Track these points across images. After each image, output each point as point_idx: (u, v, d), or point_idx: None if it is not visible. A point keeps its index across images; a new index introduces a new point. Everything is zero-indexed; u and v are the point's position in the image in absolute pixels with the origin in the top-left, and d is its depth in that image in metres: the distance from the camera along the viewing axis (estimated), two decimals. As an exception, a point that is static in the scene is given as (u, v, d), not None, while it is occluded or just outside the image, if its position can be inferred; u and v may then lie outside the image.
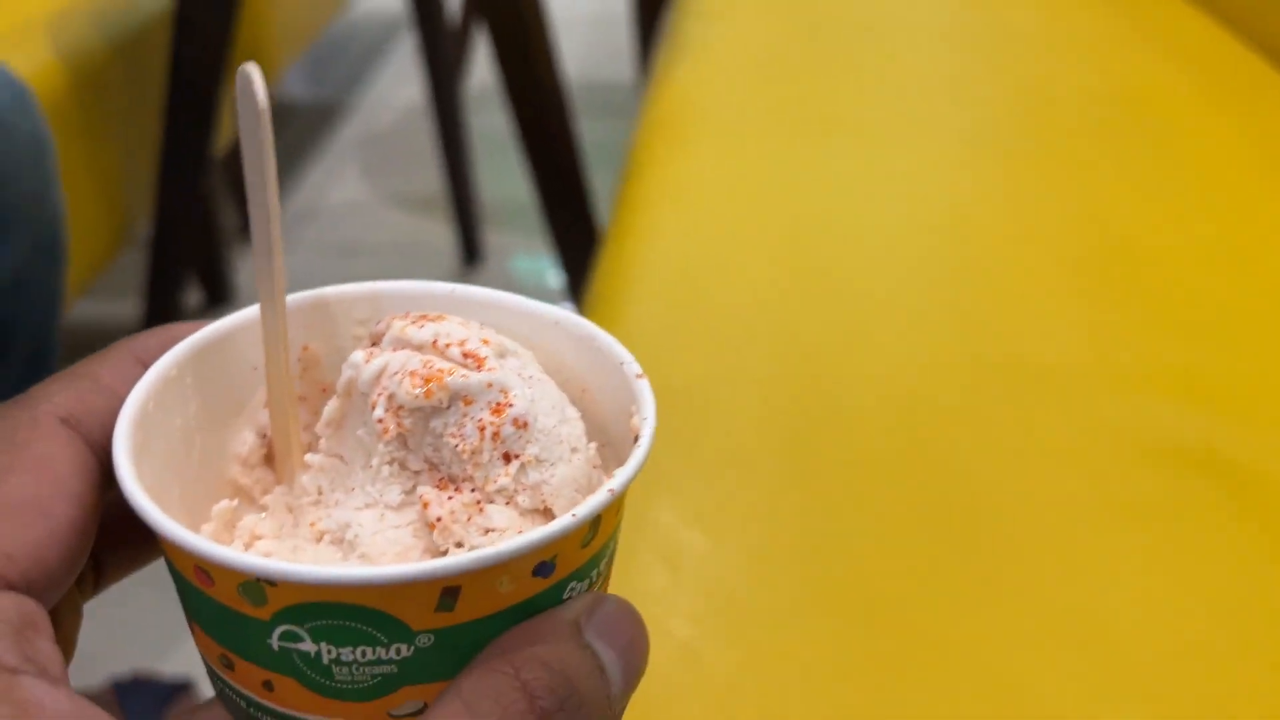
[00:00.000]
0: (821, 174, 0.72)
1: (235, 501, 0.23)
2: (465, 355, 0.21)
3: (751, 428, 0.48)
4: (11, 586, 0.18)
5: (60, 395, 0.20)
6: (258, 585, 0.19)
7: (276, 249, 0.22)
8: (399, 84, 2.19)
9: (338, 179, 1.78)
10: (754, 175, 0.73)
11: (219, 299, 1.40)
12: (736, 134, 0.80)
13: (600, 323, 0.24)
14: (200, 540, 0.19)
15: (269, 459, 0.24)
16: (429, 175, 1.76)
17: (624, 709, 0.20)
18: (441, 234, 1.58)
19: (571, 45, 1.69)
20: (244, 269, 1.43)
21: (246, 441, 0.24)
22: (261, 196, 0.21)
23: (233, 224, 1.47)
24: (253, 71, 0.21)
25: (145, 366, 0.22)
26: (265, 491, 0.24)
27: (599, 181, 1.60)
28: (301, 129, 1.95)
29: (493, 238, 1.58)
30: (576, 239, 1.07)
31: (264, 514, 0.23)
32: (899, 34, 0.99)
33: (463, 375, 0.21)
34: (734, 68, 0.93)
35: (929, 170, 0.73)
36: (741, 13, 1.07)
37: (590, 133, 1.89)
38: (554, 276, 1.50)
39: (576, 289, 1.13)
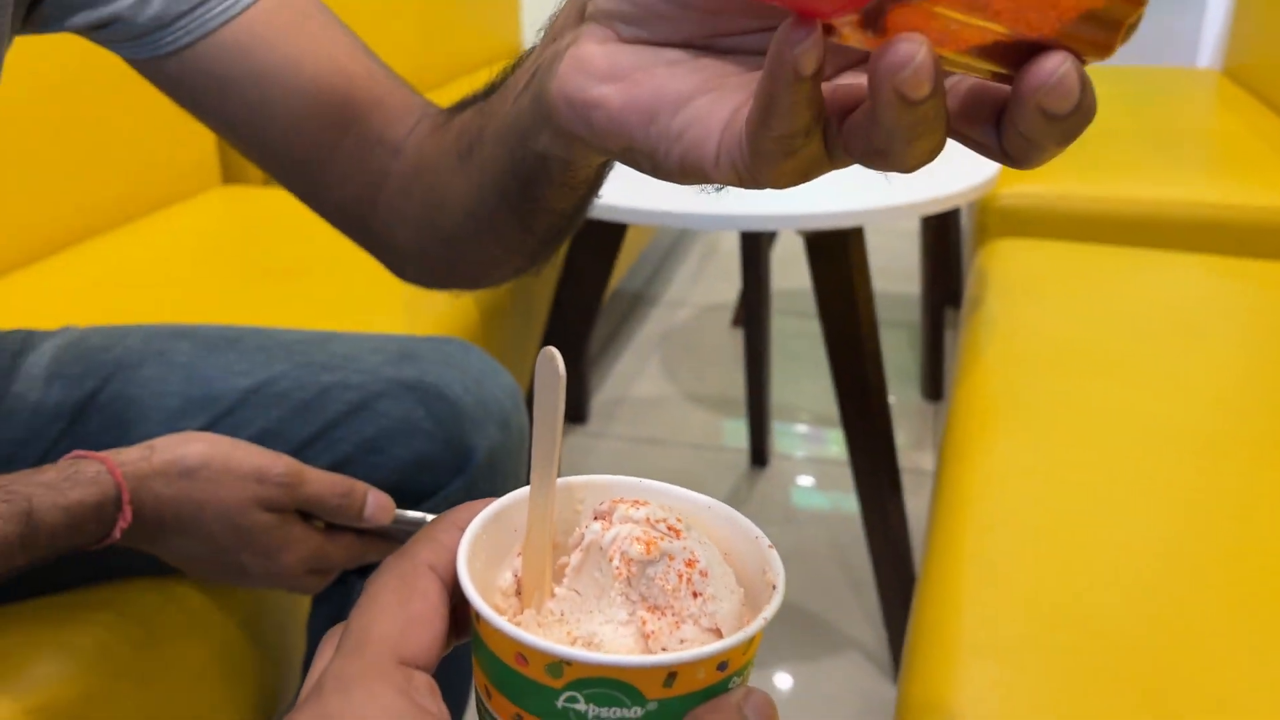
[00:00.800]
0: (1126, 479, 0.81)
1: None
2: (668, 529, 0.33)
3: (1077, 674, 0.57)
4: (422, 669, 0.31)
5: (424, 552, 0.33)
6: (559, 665, 0.29)
7: (554, 469, 0.34)
8: (699, 281, 2.42)
9: (642, 372, 1.99)
10: (1049, 465, 0.83)
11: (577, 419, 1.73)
12: (1036, 422, 0.91)
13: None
14: (530, 635, 0.29)
15: (518, 592, 0.34)
16: (725, 374, 1.95)
17: None
18: (734, 433, 1.75)
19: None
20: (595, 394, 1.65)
21: (505, 579, 0.35)
22: (549, 435, 0.33)
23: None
24: (555, 353, 0.33)
25: (460, 529, 0.33)
26: (516, 614, 0.34)
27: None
28: (612, 318, 2.20)
29: (778, 442, 1.74)
30: (873, 450, 1.17)
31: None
32: (1192, 325, 1.07)
33: (668, 541, 0.32)
34: (1042, 349, 1.04)
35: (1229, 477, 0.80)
36: (1046, 291, 1.18)
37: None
38: (837, 494, 1.62)
39: (869, 514, 1.24)
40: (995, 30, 0.26)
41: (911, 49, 0.25)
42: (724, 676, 0.30)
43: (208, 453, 0.58)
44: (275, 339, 0.73)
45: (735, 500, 1.58)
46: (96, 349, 0.70)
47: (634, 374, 1.97)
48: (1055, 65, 0.26)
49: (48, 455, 0.66)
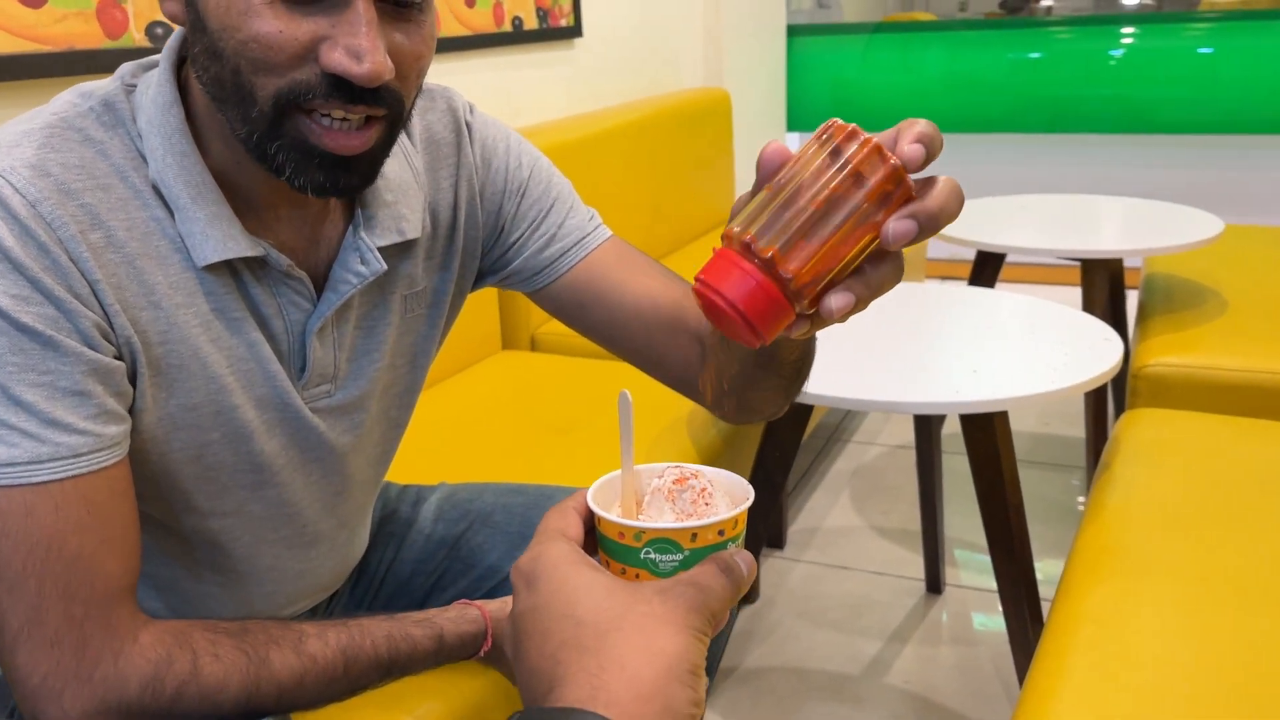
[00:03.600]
0: (1242, 639, 1.01)
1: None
2: (692, 475, 0.59)
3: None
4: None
5: (571, 503, 0.57)
6: (640, 533, 0.53)
7: (629, 464, 0.57)
8: (887, 423, 2.69)
9: (835, 504, 2.28)
10: (1167, 621, 1.06)
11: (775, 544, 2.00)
12: (1135, 573, 1.14)
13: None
14: (628, 520, 0.54)
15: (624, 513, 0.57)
16: (909, 509, 2.21)
17: (748, 586, 0.54)
18: (913, 563, 2.01)
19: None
20: (792, 523, 1.96)
21: (614, 510, 0.57)
22: (628, 439, 0.57)
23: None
24: (628, 394, 0.57)
25: (570, 506, 0.57)
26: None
27: (1043, 530, 1.95)
28: (810, 453, 2.51)
29: (952, 572, 1.98)
30: (1016, 588, 1.43)
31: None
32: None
33: (689, 481, 0.59)
34: (1155, 511, 1.28)
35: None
36: (1169, 459, 1.41)
37: (1038, 484, 2.26)
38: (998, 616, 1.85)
39: (1016, 640, 1.48)
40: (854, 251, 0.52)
41: (843, 302, 0.53)
42: (723, 539, 0.55)
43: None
44: (569, 492, 1.09)
45: (911, 622, 1.84)
46: (464, 500, 1.08)
47: (827, 505, 2.27)
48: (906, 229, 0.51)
49: (435, 573, 1.03)
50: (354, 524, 0.94)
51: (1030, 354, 1.40)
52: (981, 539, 2.09)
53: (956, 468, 2.22)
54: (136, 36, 1.37)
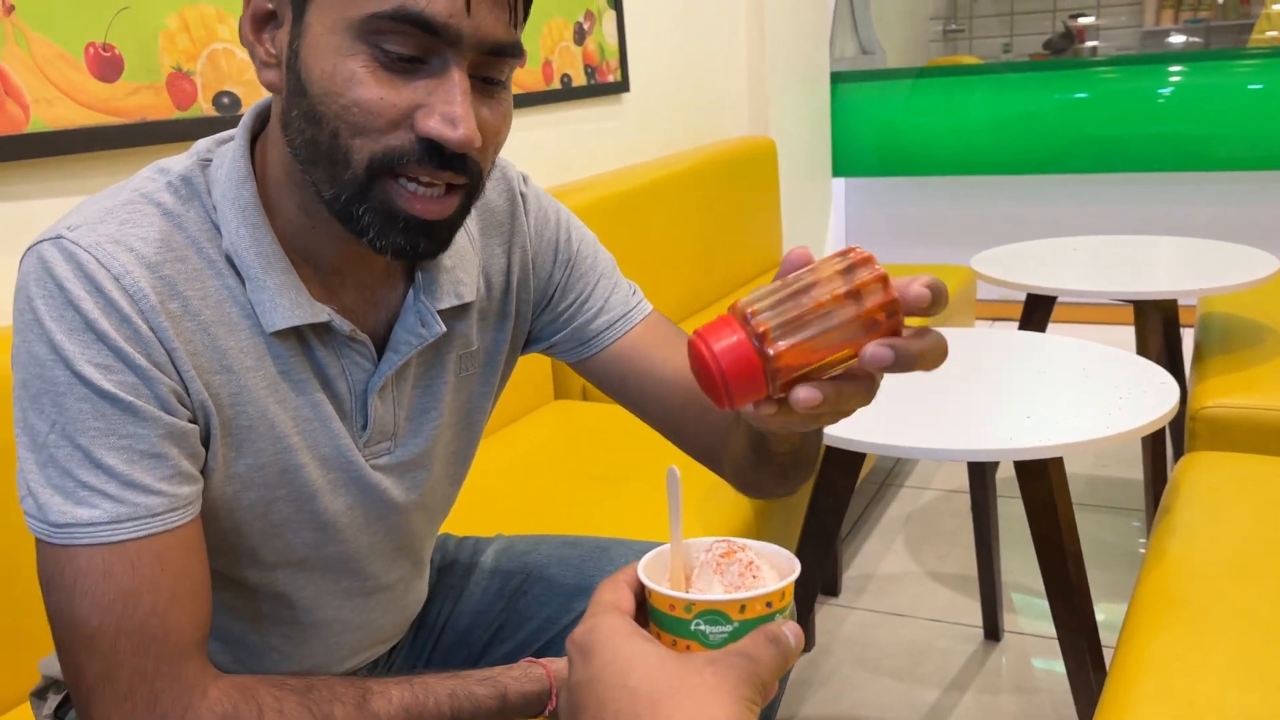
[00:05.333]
0: None
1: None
2: (739, 549, 0.62)
3: None
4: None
5: (622, 576, 0.62)
6: (690, 604, 0.56)
7: (678, 538, 0.61)
8: (940, 467, 2.67)
9: (889, 550, 2.26)
10: (1232, 669, 1.05)
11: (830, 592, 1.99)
12: (1219, 624, 1.13)
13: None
14: (678, 592, 0.57)
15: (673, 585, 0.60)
16: (964, 554, 2.19)
17: (797, 656, 0.56)
18: (971, 610, 1.99)
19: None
20: (846, 569, 1.94)
21: (664, 584, 0.60)
22: (677, 514, 0.61)
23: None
24: (676, 470, 0.63)
25: (622, 579, 0.61)
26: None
27: (1102, 575, 1.92)
28: (863, 499, 2.49)
29: (1010, 618, 1.96)
30: (1076, 635, 1.41)
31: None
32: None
33: (737, 554, 0.61)
34: (1218, 557, 1.26)
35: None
36: (1231, 504, 1.39)
37: (1096, 527, 2.23)
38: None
39: (1077, 687, 1.46)
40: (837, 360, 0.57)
41: (810, 396, 0.57)
42: (771, 611, 0.57)
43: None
44: (623, 545, 1.10)
45: (969, 670, 1.82)
46: (521, 553, 1.09)
47: (881, 551, 2.25)
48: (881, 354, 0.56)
49: (493, 625, 1.05)
50: (412, 576, 0.96)
51: (1085, 398, 1.40)
52: (1040, 583, 2.07)
53: (1012, 511, 2.20)
54: (204, 107, 1.43)
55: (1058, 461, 1.39)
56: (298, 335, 0.77)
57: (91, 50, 1.29)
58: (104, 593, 0.68)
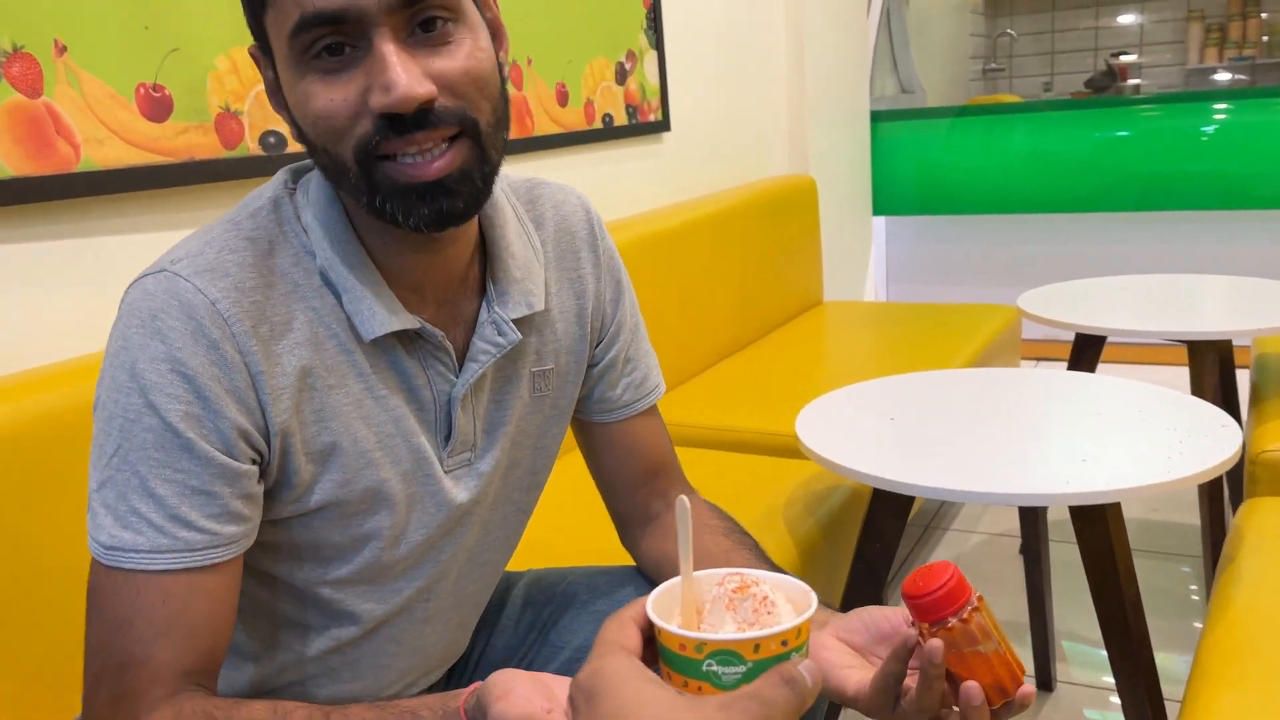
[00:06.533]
0: None
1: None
2: (752, 582, 0.58)
3: None
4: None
5: (629, 613, 0.60)
6: (701, 644, 0.54)
7: (688, 572, 0.59)
8: (986, 510, 2.62)
9: (934, 594, 2.21)
10: (1270, 711, 1.01)
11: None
12: (1264, 673, 1.08)
13: None
14: (690, 631, 0.55)
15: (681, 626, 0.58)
16: (1012, 599, 2.13)
17: (814, 697, 0.53)
18: (1021, 657, 1.93)
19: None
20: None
21: (675, 620, 0.60)
22: (687, 547, 0.59)
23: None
24: (685, 500, 0.61)
25: (628, 616, 0.59)
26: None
27: (1157, 622, 1.86)
28: (908, 542, 2.44)
29: (1063, 668, 1.90)
30: (1136, 686, 1.35)
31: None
32: None
33: (750, 589, 0.58)
34: (1265, 608, 1.21)
35: None
36: (1294, 549, 1.35)
37: (1149, 573, 2.16)
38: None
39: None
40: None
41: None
42: (787, 650, 0.55)
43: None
44: None
45: (1022, 721, 1.76)
46: (551, 584, 1.07)
47: (927, 596, 2.20)
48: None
49: (527, 658, 1.04)
50: (468, 607, 0.96)
51: (1142, 442, 1.36)
52: (1092, 631, 2.01)
53: (1061, 556, 2.14)
54: (251, 146, 1.44)
55: (1115, 507, 1.34)
56: (387, 346, 0.80)
57: (142, 90, 1.30)
58: (109, 611, 0.72)
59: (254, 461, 0.75)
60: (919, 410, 1.55)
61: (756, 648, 0.54)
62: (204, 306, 0.72)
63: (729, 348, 2.49)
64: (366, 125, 0.70)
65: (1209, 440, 1.34)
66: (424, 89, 0.69)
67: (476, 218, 0.84)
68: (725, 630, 0.56)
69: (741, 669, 0.54)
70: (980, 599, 0.73)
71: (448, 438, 0.85)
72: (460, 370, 0.84)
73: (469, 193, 0.74)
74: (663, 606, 0.58)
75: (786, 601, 0.58)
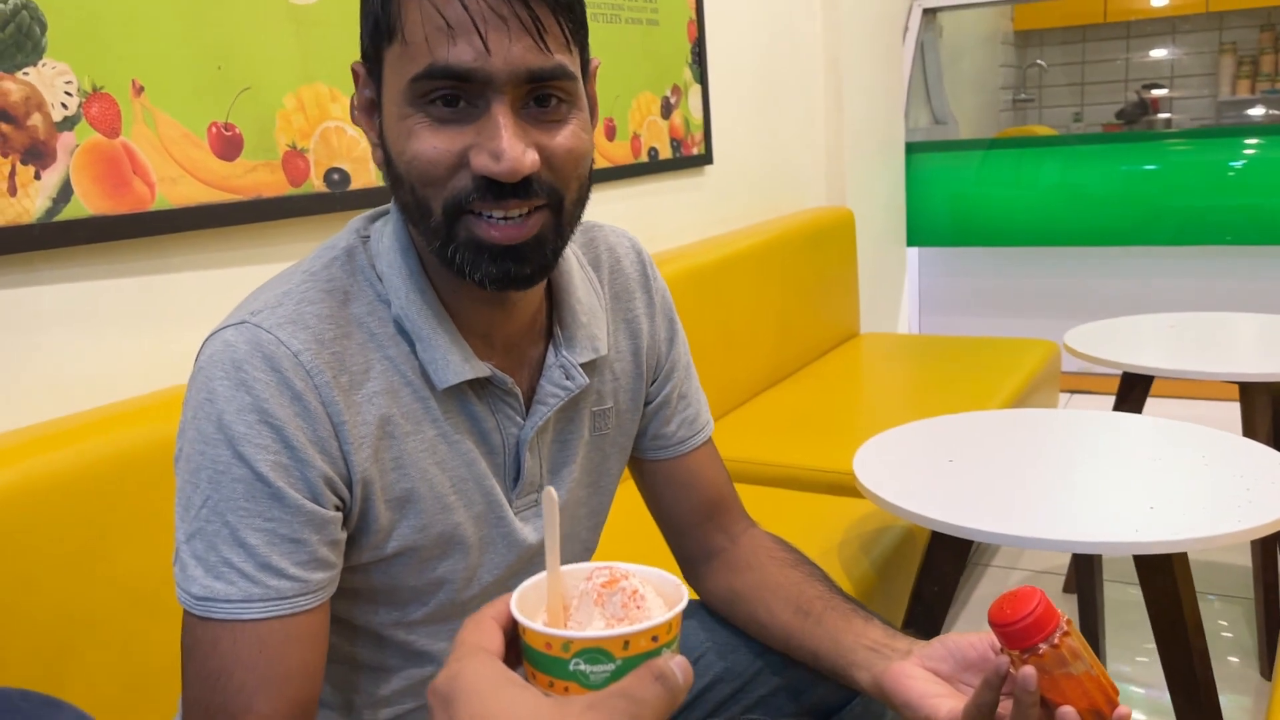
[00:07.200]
0: None
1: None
2: (621, 575, 0.56)
3: None
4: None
5: (489, 611, 0.55)
6: (568, 643, 0.50)
7: (555, 566, 0.56)
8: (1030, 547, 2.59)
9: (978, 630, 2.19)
10: None
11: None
12: None
13: None
14: (554, 629, 0.52)
15: (546, 624, 0.55)
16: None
17: (684, 694, 0.50)
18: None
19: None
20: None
21: (541, 618, 0.55)
22: (554, 542, 0.56)
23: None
24: (554, 491, 0.57)
25: (489, 615, 0.56)
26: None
27: (1217, 667, 1.84)
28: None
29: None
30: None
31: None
32: None
33: (622, 582, 0.55)
34: None
35: None
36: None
37: (1205, 613, 2.14)
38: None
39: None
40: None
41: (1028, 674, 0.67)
42: (657, 645, 0.53)
43: None
44: None
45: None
46: None
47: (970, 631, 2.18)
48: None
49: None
50: None
51: (1209, 489, 1.35)
52: (1142, 673, 1.99)
53: (1111, 595, 2.13)
54: (316, 183, 1.45)
55: (1182, 556, 1.33)
56: (458, 393, 0.82)
57: (214, 129, 1.31)
58: (206, 662, 0.72)
59: (338, 509, 0.76)
60: (977, 451, 1.54)
61: (626, 644, 0.51)
62: (287, 358, 0.73)
63: (769, 379, 2.49)
64: (465, 181, 0.72)
65: (1276, 487, 1.33)
66: (530, 160, 0.71)
67: None
68: (594, 627, 0.53)
69: (610, 667, 0.51)
70: (1070, 622, 0.73)
71: (516, 479, 0.86)
72: (528, 414, 0.85)
73: (538, 262, 0.76)
74: (528, 603, 0.56)
75: (657, 595, 0.55)
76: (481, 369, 0.81)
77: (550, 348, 0.87)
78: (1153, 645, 1.41)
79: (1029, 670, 0.71)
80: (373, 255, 0.81)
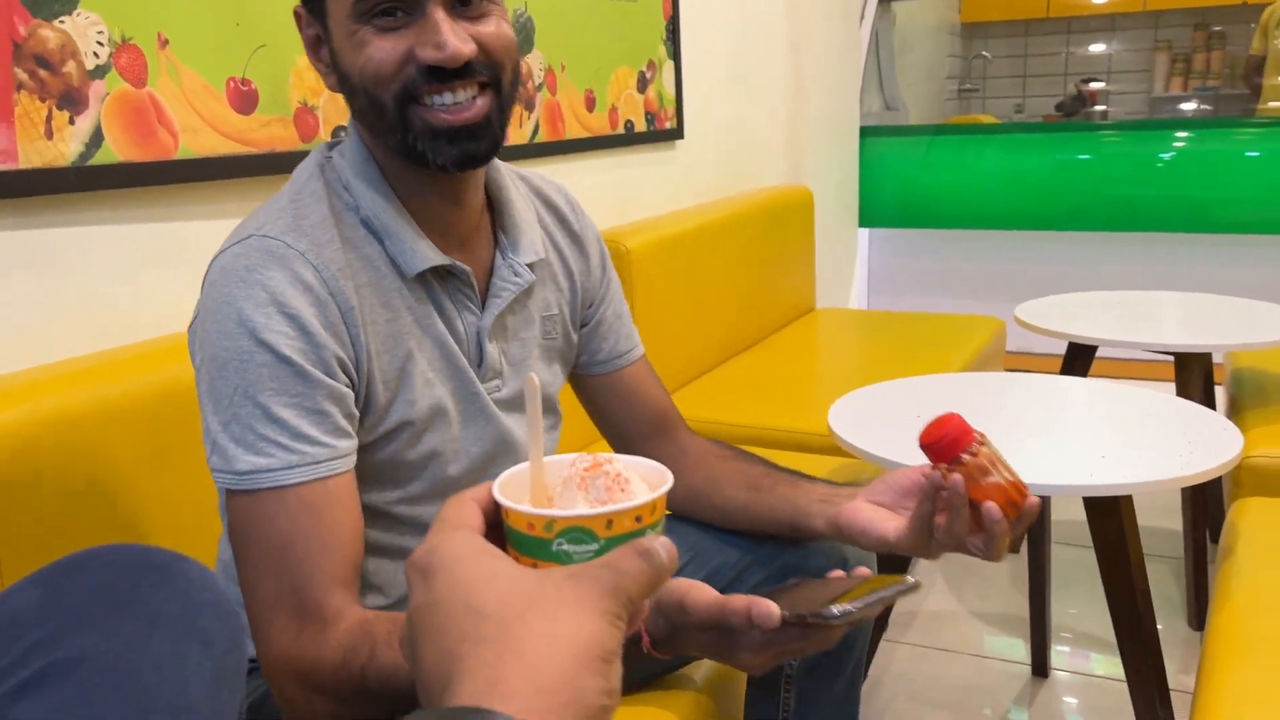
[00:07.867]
0: None
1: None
2: (605, 461, 0.53)
3: None
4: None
5: (470, 494, 0.53)
6: (551, 523, 0.49)
7: (538, 453, 0.55)
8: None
9: (932, 587, 2.32)
10: None
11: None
12: (1275, 656, 1.19)
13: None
14: (537, 509, 0.50)
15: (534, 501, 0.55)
16: (1006, 595, 2.25)
17: (669, 573, 0.49)
18: (1015, 648, 2.04)
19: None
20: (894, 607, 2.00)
21: (525, 502, 0.53)
22: (536, 427, 0.56)
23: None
24: (535, 376, 0.57)
25: (470, 498, 0.53)
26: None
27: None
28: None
29: (1056, 659, 2.02)
30: (1145, 675, 1.46)
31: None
32: None
33: (603, 466, 0.53)
34: (1268, 597, 1.32)
35: None
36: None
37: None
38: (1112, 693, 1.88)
39: (1144, 712, 1.52)
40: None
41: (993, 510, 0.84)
42: (641, 526, 0.51)
43: None
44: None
45: (1019, 706, 1.87)
46: None
47: (925, 589, 2.31)
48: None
49: None
50: None
51: (1155, 441, 1.47)
52: (1082, 624, 2.13)
53: (1059, 556, 2.26)
54: (324, 139, 1.50)
55: (1128, 500, 1.46)
56: (425, 284, 0.93)
57: (232, 84, 1.36)
58: (269, 539, 0.80)
59: (349, 387, 0.87)
60: (942, 409, 1.65)
61: (609, 524, 0.50)
62: (296, 257, 0.84)
63: (734, 348, 2.59)
64: (411, 73, 0.84)
65: (1215, 441, 1.46)
66: (469, 48, 0.84)
67: (484, 179, 0.98)
68: (577, 509, 0.52)
69: (594, 546, 0.50)
70: (984, 435, 0.91)
71: (480, 365, 0.97)
72: (484, 307, 0.97)
73: (490, 138, 0.88)
74: (511, 491, 0.54)
75: (641, 480, 0.54)
76: (443, 259, 0.92)
77: (497, 252, 0.99)
78: (1091, 596, 1.54)
79: (957, 477, 0.87)
80: (338, 170, 0.92)
